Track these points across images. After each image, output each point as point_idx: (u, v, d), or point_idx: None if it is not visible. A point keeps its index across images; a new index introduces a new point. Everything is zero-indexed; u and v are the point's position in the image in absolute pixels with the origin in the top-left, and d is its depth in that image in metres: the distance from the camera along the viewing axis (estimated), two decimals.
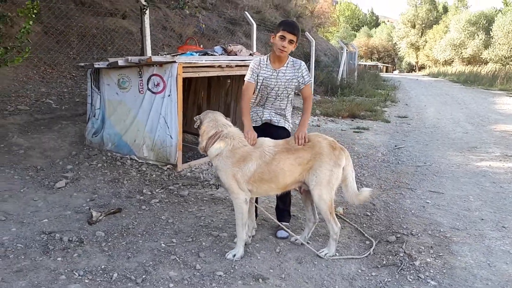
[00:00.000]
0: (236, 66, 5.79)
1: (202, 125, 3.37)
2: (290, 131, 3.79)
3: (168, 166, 5.25)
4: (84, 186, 4.60)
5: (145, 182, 4.85)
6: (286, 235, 3.64)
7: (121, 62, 4.92)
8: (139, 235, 3.53)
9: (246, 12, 9.75)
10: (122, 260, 3.10)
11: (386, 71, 49.23)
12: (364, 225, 4.08)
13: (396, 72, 52.80)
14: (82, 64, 5.56)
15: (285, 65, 3.59)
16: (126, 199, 4.32)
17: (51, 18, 8.86)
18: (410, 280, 3.09)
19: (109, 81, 5.51)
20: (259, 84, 3.61)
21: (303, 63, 3.67)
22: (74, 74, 8.95)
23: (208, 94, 7.20)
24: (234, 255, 3.20)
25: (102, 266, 2.99)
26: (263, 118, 3.69)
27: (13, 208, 3.94)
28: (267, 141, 3.34)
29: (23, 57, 5.35)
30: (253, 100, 3.74)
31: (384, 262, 3.34)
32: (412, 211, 4.47)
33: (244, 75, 3.70)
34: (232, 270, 3.05)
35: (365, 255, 3.44)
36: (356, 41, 51.56)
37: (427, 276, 3.14)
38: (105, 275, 2.88)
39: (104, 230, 3.58)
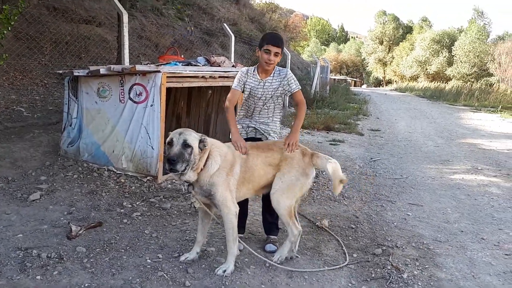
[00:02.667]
0: (219, 77, 5.76)
1: (192, 149, 2.93)
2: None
3: (148, 177, 5.11)
4: (60, 198, 4.40)
5: (125, 195, 4.69)
6: (275, 248, 3.60)
7: (103, 70, 4.78)
8: (123, 250, 3.39)
9: (225, 24, 9.75)
10: (107, 277, 2.95)
11: (355, 85, 50.47)
12: (350, 237, 4.09)
13: (364, 86, 54.26)
14: (61, 71, 5.37)
15: (272, 75, 3.63)
16: (106, 212, 4.16)
17: (22, 23, 8.54)
18: None
19: (88, 89, 5.33)
20: (246, 93, 3.65)
21: (289, 71, 3.70)
22: (46, 82, 8.64)
23: (188, 104, 7.11)
24: (225, 271, 3.11)
25: (86, 284, 2.83)
26: (248, 133, 3.73)
27: None
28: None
29: None
30: (242, 112, 3.74)
31: (373, 275, 3.34)
32: (395, 223, 4.53)
33: (226, 86, 3.71)
34: (223, 286, 2.96)
35: (337, 266, 3.43)
36: (326, 55, 52.61)
37: None
38: None
39: (85, 245, 3.41)
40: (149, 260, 3.25)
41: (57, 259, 3.14)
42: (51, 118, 6.88)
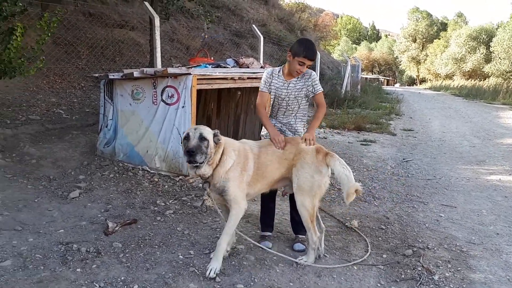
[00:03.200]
0: (248, 78, 5.84)
1: (208, 142, 3.03)
2: None
3: (180, 177, 5.25)
4: (97, 196, 4.60)
5: (158, 193, 4.84)
6: (303, 247, 3.63)
7: (136, 73, 4.95)
8: (156, 247, 3.52)
9: (254, 25, 9.84)
10: (141, 272, 3.08)
11: (387, 84, 49.49)
12: (380, 238, 4.06)
13: (397, 85, 53.06)
14: (96, 74, 5.61)
15: (296, 77, 3.67)
16: (141, 210, 4.32)
17: (60, 29, 8.96)
18: None
19: (122, 91, 5.54)
20: (272, 94, 3.72)
21: (313, 72, 3.72)
22: (83, 85, 9.01)
23: (218, 105, 7.23)
24: (215, 271, 3.04)
25: (122, 278, 2.97)
26: None
27: (29, 218, 3.94)
28: (248, 141, 3.50)
29: (37, 68, 5.42)
30: (273, 111, 3.83)
31: (403, 276, 3.32)
32: (426, 224, 4.46)
33: (255, 87, 3.78)
34: (252, 283, 3.03)
35: (357, 261, 3.49)
36: (357, 54, 51.91)
37: None
38: (125, 286, 2.86)
39: (121, 241, 3.56)
40: (181, 256, 3.36)
41: (95, 254, 3.31)
42: (88, 120, 7.18)
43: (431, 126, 12.47)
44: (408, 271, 3.40)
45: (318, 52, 14.36)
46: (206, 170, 3.09)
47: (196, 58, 6.79)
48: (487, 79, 35.45)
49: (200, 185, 3.47)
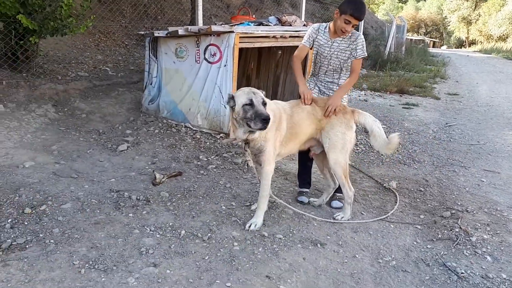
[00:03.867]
0: (290, 36, 5.79)
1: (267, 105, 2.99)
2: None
3: (221, 134, 5.41)
4: (144, 150, 4.85)
5: (200, 149, 5.04)
6: (341, 205, 3.73)
7: (181, 31, 5.04)
8: (200, 197, 3.73)
9: None
10: (187, 219, 3.30)
11: (433, 46, 46.99)
12: (418, 200, 4.09)
13: (444, 47, 50.37)
14: (142, 32, 5.74)
15: (342, 36, 3.57)
16: (185, 164, 4.53)
17: None
18: (467, 254, 3.11)
19: (167, 50, 5.67)
20: (314, 50, 3.67)
21: (361, 35, 3.61)
22: (126, 43, 9.23)
23: (258, 65, 7.25)
24: (256, 225, 3.20)
25: (170, 223, 3.20)
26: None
27: (82, 167, 4.25)
28: (280, 102, 3.45)
29: (87, 26, 5.61)
30: (311, 70, 3.82)
31: (440, 236, 3.37)
32: (467, 188, 4.42)
33: (296, 47, 3.73)
34: (290, 234, 3.19)
35: (387, 215, 3.65)
36: (403, 14, 49.26)
37: (484, 252, 3.15)
38: (173, 231, 3.09)
39: (167, 191, 3.80)
40: (223, 207, 3.56)
41: (144, 201, 3.56)
42: (132, 77, 7.41)
43: (479, 90, 11.92)
44: (445, 231, 3.45)
45: None
46: (257, 133, 3.07)
47: (237, 16, 6.77)
48: None
49: (240, 144, 3.48)
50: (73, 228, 3.02)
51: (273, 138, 3.22)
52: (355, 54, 3.56)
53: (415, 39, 40.21)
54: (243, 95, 2.99)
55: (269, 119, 2.86)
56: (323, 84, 3.77)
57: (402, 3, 63.85)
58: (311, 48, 3.70)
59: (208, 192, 3.87)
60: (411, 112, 8.40)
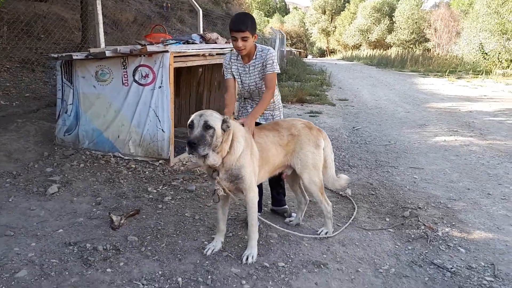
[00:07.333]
0: (217, 54, 5.65)
1: (215, 131, 2.75)
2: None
3: (160, 161, 4.99)
4: (79, 189, 4.20)
5: (142, 180, 4.57)
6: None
7: (108, 52, 4.51)
8: (174, 236, 3.36)
9: None
10: (175, 263, 2.93)
11: (300, 56, 51.02)
12: (375, 203, 4.32)
13: (310, 57, 55.03)
14: (55, 55, 4.97)
15: (254, 57, 3.42)
16: (136, 199, 4.05)
17: None
18: (443, 249, 3.37)
19: (84, 73, 5.03)
20: (237, 79, 3.53)
21: (271, 50, 3.44)
22: (8, 66, 7.95)
23: (176, 84, 6.90)
24: (252, 257, 3.02)
25: (159, 272, 2.80)
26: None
27: (13, 220, 3.49)
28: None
29: None
30: (240, 98, 3.72)
31: (412, 236, 3.60)
32: (407, 187, 4.84)
33: (218, 64, 3.60)
34: (290, 260, 3.06)
35: (349, 221, 3.81)
36: (270, 26, 52.46)
37: (455, 244, 3.46)
38: (168, 280, 2.71)
39: (134, 234, 3.33)
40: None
41: (114, 251, 3.06)
42: (30, 105, 6.41)
43: (362, 95, 13.26)
44: (414, 230, 3.70)
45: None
46: (215, 159, 2.82)
47: (151, 34, 6.34)
48: (389, 49, 38.54)
49: (208, 174, 3.15)
50: None
51: (251, 165, 3.02)
52: (265, 69, 3.39)
53: (285, 50, 43.17)
54: (191, 117, 2.80)
55: (194, 143, 2.64)
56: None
57: (268, 17, 68.03)
58: (234, 78, 3.52)
59: (179, 228, 3.50)
60: (319, 119, 8.92)
